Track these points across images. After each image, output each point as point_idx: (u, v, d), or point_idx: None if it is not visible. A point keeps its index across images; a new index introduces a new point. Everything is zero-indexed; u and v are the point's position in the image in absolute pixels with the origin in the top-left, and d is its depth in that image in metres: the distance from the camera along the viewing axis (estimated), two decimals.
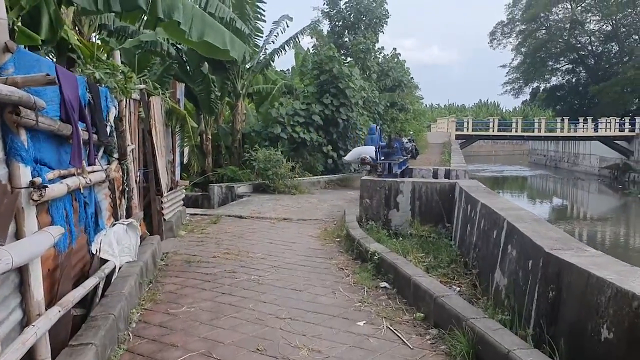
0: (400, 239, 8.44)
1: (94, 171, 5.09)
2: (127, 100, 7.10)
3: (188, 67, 16.88)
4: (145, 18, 7.41)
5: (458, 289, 6.14)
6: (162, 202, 8.80)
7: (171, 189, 9.82)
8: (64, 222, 4.10)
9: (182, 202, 10.71)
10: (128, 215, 6.99)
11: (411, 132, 31.01)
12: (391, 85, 30.10)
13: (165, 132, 9.58)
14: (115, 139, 6.19)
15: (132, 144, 7.44)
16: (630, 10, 54.37)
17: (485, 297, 5.62)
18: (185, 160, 13.60)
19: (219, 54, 9.42)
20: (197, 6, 7.99)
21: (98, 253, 5.20)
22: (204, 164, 17.40)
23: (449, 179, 12.70)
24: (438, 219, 9.22)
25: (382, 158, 10.68)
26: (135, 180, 7.71)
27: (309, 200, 13.55)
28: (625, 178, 42.41)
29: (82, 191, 4.69)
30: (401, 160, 11.45)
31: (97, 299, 4.78)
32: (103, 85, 5.98)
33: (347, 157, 14.25)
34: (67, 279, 4.06)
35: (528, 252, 4.58)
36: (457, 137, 43.85)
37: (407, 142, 18.10)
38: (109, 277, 5.28)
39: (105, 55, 9.05)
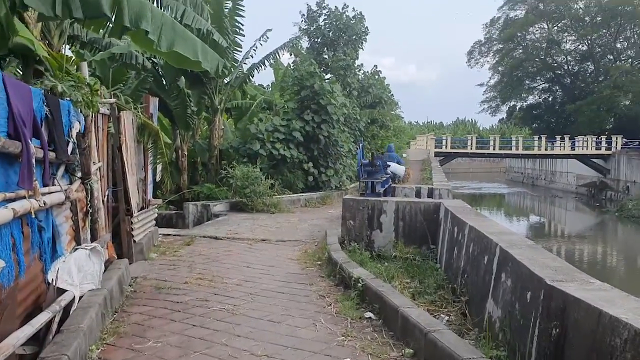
0: (385, 262, 8.05)
1: (51, 192, 4.61)
2: (94, 114, 6.65)
3: (164, 81, 16.44)
4: (111, 26, 6.95)
5: (447, 318, 5.76)
6: (132, 222, 8.29)
7: (142, 208, 9.32)
8: (9, 251, 3.62)
9: (154, 222, 10.20)
10: (93, 238, 6.50)
11: None
12: (371, 102, 29.94)
13: (137, 149, 9.11)
14: (79, 156, 5.71)
15: (99, 161, 6.98)
16: (605, 30, 55.45)
17: (477, 328, 5.24)
18: (158, 178, 13.07)
19: (190, 65, 8.98)
20: (172, 16, 7.58)
21: (55, 283, 4.71)
22: (179, 180, 16.88)
23: (432, 197, 12.41)
24: (422, 240, 8.88)
25: (365, 177, 10.32)
26: (103, 200, 7.23)
27: (288, 220, 13.11)
28: (602, 196, 42.80)
29: (35, 215, 4.21)
30: (384, 178, 11.11)
31: (50, 336, 4.28)
32: (66, 98, 5.53)
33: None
34: (12, 317, 3.57)
35: (526, 283, 4.21)
36: (436, 154, 43.96)
37: (388, 159, 17.85)
38: (67, 309, 4.79)
39: (76, 67, 8.55)
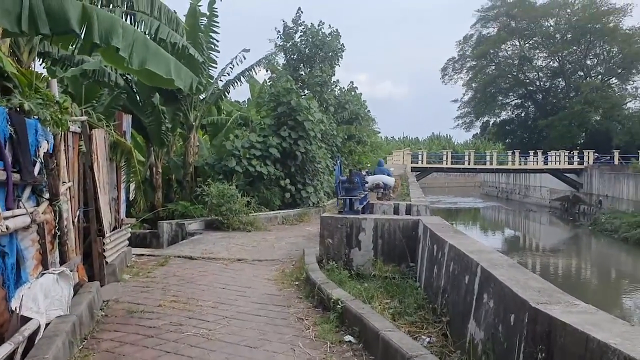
0: (364, 281, 7.92)
1: (15, 216, 4.40)
2: (64, 133, 6.44)
3: (138, 98, 16.17)
4: (80, 43, 6.75)
5: (428, 339, 5.64)
6: (104, 243, 8.05)
7: (115, 228, 9.07)
8: None
9: (127, 242, 9.93)
10: (62, 261, 6.26)
11: (369, 165, 30.86)
12: (348, 118, 29.97)
13: (110, 167, 8.88)
14: (46, 176, 5.49)
15: (69, 181, 6.76)
16: (575, 47, 56.75)
17: (459, 350, 5.13)
18: (131, 197, 12.77)
19: (162, 83, 8.79)
20: (146, 32, 7.42)
21: (19, 311, 4.48)
22: (153, 198, 16.55)
23: (410, 214, 12.35)
24: (402, 258, 8.79)
25: (343, 193, 10.21)
26: (73, 221, 6.99)
27: (265, 238, 12.90)
28: (575, 210, 43.43)
29: None
30: (362, 195, 11.01)
31: None
32: (34, 117, 5.32)
33: (369, 181, 17.07)
34: None
35: (509, 305, 4.12)
36: (413, 169, 44.19)
37: (365, 175, 17.78)
38: (32, 338, 4.54)
39: (46, 84, 8.31)
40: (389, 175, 18.09)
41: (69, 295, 5.69)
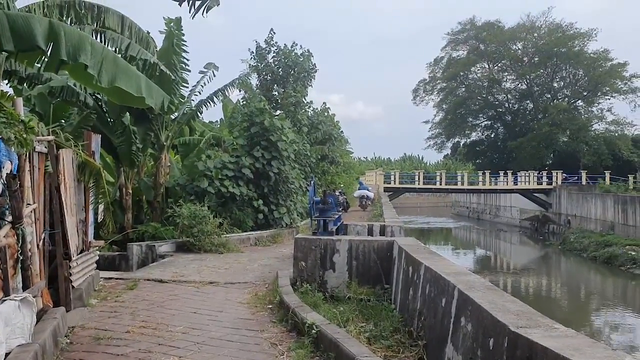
0: (338, 303, 7.80)
1: None
2: (29, 153, 6.22)
3: (108, 118, 15.89)
4: (46, 60, 6.57)
5: None
6: (70, 267, 7.77)
7: (82, 250, 8.79)
8: None
9: (95, 265, 9.63)
10: (26, 286, 6.00)
11: (342, 185, 30.89)
12: (321, 139, 30.03)
13: (78, 188, 8.63)
14: (9, 199, 5.27)
15: (34, 202, 6.51)
16: (542, 70, 58.19)
17: None
18: (100, 219, 12.44)
19: (133, 102, 8.62)
20: (116, 49, 7.27)
21: None
22: (123, 220, 16.17)
23: (384, 235, 12.30)
24: (377, 280, 8.70)
25: (317, 215, 10.11)
26: (38, 244, 6.73)
27: (238, 260, 12.67)
28: (545, 229, 44.07)
29: None
30: (336, 216, 10.93)
31: None
32: None
33: (355, 194, 25.60)
34: None
35: (488, 329, 4.05)
36: (385, 189, 44.42)
37: (338, 195, 17.76)
38: None
39: (11, 103, 8.07)
40: (369, 190, 27.80)
41: (32, 323, 5.43)
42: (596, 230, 34.97)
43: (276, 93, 28.65)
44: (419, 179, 48.96)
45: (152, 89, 7.88)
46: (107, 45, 7.94)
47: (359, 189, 28.17)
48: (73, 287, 7.83)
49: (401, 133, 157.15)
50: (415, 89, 66.77)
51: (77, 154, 8.36)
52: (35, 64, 7.84)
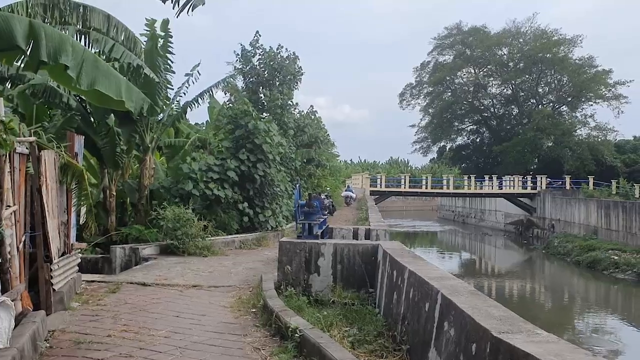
0: (323, 307, 7.77)
1: None
2: (10, 154, 6.14)
3: (92, 119, 15.74)
4: (26, 59, 6.47)
5: None
6: (51, 269, 7.66)
7: (64, 253, 8.67)
8: None
9: (77, 267, 9.50)
10: (4, 290, 5.93)
11: (328, 188, 30.90)
12: (308, 142, 30.01)
13: (60, 190, 8.52)
14: None
15: (14, 204, 6.42)
16: (527, 76, 58.76)
17: None
18: (82, 221, 12.30)
19: (112, 105, 8.51)
20: (99, 51, 7.18)
21: None
22: (107, 222, 16.02)
23: (369, 239, 12.30)
24: (361, 284, 8.70)
25: (302, 218, 10.07)
26: (18, 247, 6.64)
27: (222, 263, 12.59)
28: (529, 233, 44.41)
29: None
30: (321, 220, 10.89)
31: None
32: None
33: (342, 195, 35.02)
34: None
35: (470, 334, 4.05)
36: (372, 193, 44.50)
37: (324, 198, 17.72)
38: None
39: None
40: (352, 192, 36.57)
41: (10, 327, 5.35)
42: (580, 234, 35.31)
43: (262, 96, 28.59)
44: (405, 182, 49.14)
45: (132, 92, 7.79)
46: (91, 46, 7.85)
47: (345, 191, 37.07)
48: (54, 290, 7.73)
49: (388, 136, 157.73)
50: (402, 93, 67.16)
51: (59, 156, 8.26)
52: (15, 63, 7.72)
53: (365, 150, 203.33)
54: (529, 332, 3.70)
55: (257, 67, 29.18)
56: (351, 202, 34.97)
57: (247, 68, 29.22)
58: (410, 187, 49.41)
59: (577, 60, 56.32)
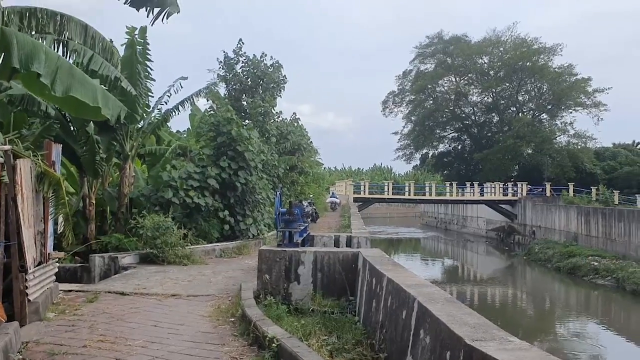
0: (302, 316, 7.75)
1: None
2: None
3: (71, 127, 15.58)
4: None
5: None
6: (26, 280, 7.55)
7: (40, 263, 8.55)
8: None
9: (54, 277, 9.37)
10: None
11: (311, 195, 30.92)
12: (291, 149, 30.02)
13: (36, 199, 8.41)
14: None
15: None
16: (507, 84, 59.45)
17: None
18: (60, 230, 12.14)
19: (88, 113, 8.42)
20: (78, 62, 7.12)
21: None
22: (86, 231, 15.83)
23: (351, 246, 12.32)
24: (341, 292, 8.70)
25: (282, 226, 10.04)
26: None
27: (202, 272, 12.50)
28: (511, 240, 44.83)
29: None
30: (302, 227, 10.87)
31: None
32: None
33: (327, 201, 38.37)
34: None
35: (445, 341, 4.07)
36: (355, 199, 44.66)
37: (307, 206, 17.70)
38: None
39: None
40: (336, 198, 40.06)
41: None
42: (560, 240, 35.72)
43: (245, 103, 28.56)
44: (388, 189, 49.40)
45: (109, 99, 7.73)
46: (70, 56, 7.78)
47: (330, 197, 40.51)
48: (29, 300, 7.61)
49: (371, 144, 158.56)
50: (385, 101, 67.55)
51: (36, 164, 8.16)
52: None
53: (349, 157, 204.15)
54: (502, 339, 3.72)
55: (240, 74, 29.15)
56: (336, 208, 38.22)
57: (230, 75, 29.18)
58: (393, 193, 49.68)
59: (556, 69, 57.09)
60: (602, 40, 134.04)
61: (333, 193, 42.92)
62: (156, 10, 6.28)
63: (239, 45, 29.48)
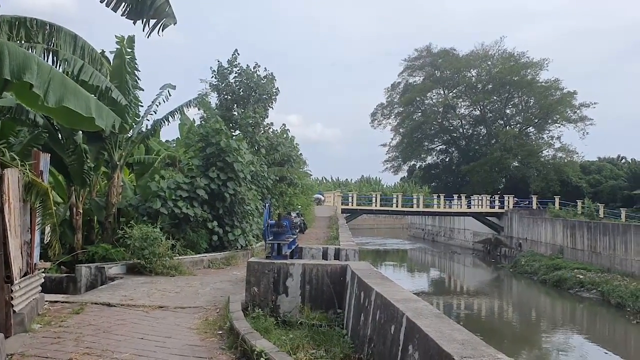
0: (290, 329, 7.74)
1: None
2: None
3: (60, 136, 15.47)
4: None
5: None
6: (12, 291, 7.48)
7: (26, 273, 8.47)
8: None
9: (39, 288, 9.27)
10: None
11: (299, 207, 30.89)
12: (280, 160, 30.01)
13: (23, 209, 8.34)
14: None
15: None
16: (495, 97, 59.98)
17: None
18: (46, 239, 12.02)
19: (82, 124, 8.37)
20: (68, 72, 7.10)
21: None
22: (73, 240, 15.68)
23: (339, 259, 12.32)
24: (329, 305, 8.71)
25: (271, 238, 10.05)
26: None
27: (189, 283, 12.44)
28: (497, 252, 45.03)
29: None
30: (291, 239, 10.88)
31: None
32: None
33: (314, 197, 43.82)
34: None
35: (434, 358, 4.10)
36: (343, 210, 44.67)
37: (295, 217, 17.69)
38: None
39: None
40: (322, 196, 51.65)
41: None
42: (546, 253, 35.96)
43: (236, 113, 28.52)
44: (376, 200, 49.47)
45: (102, 109, 7.70)
46: (60, 65, 7.75)
47: (317, 194, 48.21)
48: (14, 311, 7.53)
49: (359, 155, 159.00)
50: (374, 113, 67.83)
51: (23, 174, 8.11)
52: None
53: (337, 169, 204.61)
54: (490, 356, 3.76)
55: (233, 84, 29.11)
56: (321, 203, 47.27)
57: (222, 85, 29.14)
58: (381, 205, 49.75)
59: (543, 83, 57.67)
60: (585, 57, 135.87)
61: (320, 192, 53.56)
62: (152, 21, 6.30)
63: (234, 55, 29.46)
